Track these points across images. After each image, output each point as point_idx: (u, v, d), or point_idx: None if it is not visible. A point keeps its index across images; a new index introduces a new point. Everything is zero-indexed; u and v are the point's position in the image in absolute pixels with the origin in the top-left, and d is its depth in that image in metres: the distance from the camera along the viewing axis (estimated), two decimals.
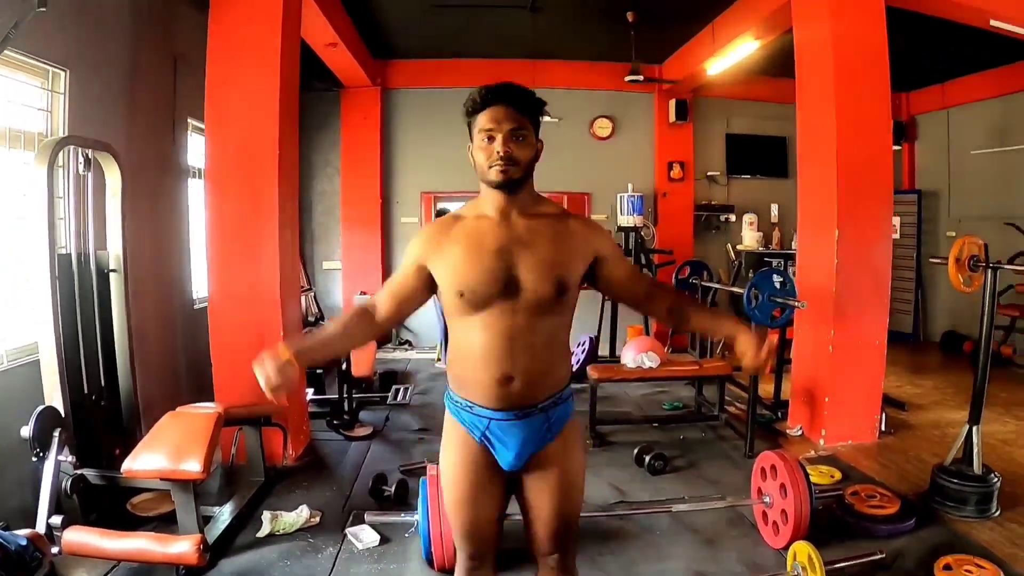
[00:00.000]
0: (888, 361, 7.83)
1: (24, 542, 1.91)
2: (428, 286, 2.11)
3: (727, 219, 9.59)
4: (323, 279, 9.36)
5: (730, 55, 7.06)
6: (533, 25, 7.27)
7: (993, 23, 5.43)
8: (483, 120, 2.02)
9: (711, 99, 9.36)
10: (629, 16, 6.78)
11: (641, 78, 7.39)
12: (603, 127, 9.31)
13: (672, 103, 9.06)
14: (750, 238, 9.07)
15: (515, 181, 2.03)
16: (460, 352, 2.08)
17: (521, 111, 2.04)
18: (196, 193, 6.12)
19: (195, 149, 6.15)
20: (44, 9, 2.91)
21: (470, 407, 2.09)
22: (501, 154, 1.99)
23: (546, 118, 5.79)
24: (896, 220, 9.46)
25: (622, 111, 9.31)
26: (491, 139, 2.01)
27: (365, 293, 8.89)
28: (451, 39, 8.23)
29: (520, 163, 2.02)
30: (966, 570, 3.26)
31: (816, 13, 5.17)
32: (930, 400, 6.48)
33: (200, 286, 6.14)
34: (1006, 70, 8.13)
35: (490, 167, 2.01)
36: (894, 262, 9.04)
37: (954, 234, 8.87)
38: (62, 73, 4.26)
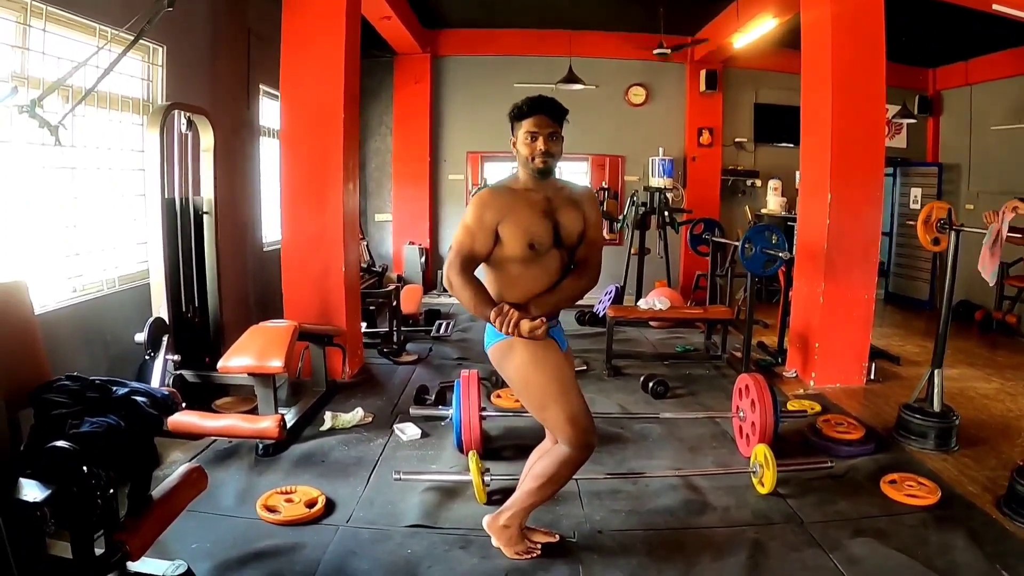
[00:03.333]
0: (900, 324, 8.44)
1: (166, 392, 2.69)
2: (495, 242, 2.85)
3: (753, 184, 10.16)
4: (375, 230, 10.21)
5: (753, 31, 7.59)
6: None
7: (995, 7, 5.81)
8: (528, 124, 2.80)
9: (740, 70, 9.90)
10: None
11: (668, 52, 7.96)
12: (637, 94, 9.94)
13: (703, 73, 9.63)
14: (774, 203, 9.57)
15: (551, 169, 2.86)
16: (521, 284, 2.85)
17: (554, 119, 2.82)
18: (266, 150, 6.96)
19: (266, 111, 6.97)
20: (171, 8, 3.67)
21: None
22: (543, 150, 2.79)
23: (580, 86, 6.68)
24: (917, 192, 9.93)
25: (655, 80, 9.92)
26: (534, 138, 2.79)
27: (414, 243, 9.70)
28: (495, 11, 8.89)
29: (555, 156, 2.83)
30: (908, 485, 3.82)
31: None
32: (927, 359, 6.97)
33: (269, 231, 7.00)
34: None
35: (533, 159, 2.80)
36: (914, 230, 9.50)
37: (972, 207, 9.20)
38: (160, 48, 5.07)
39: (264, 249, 6.96)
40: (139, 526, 2.40)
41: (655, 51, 8.03)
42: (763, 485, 3.74)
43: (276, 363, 4.07)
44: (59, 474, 2.06)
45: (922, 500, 3.69)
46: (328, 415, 4.67)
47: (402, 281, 8.55)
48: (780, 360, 6.41)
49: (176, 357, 4.30)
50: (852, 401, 5.46)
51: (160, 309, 4.38)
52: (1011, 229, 4.24)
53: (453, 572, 3.02)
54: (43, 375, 2.60)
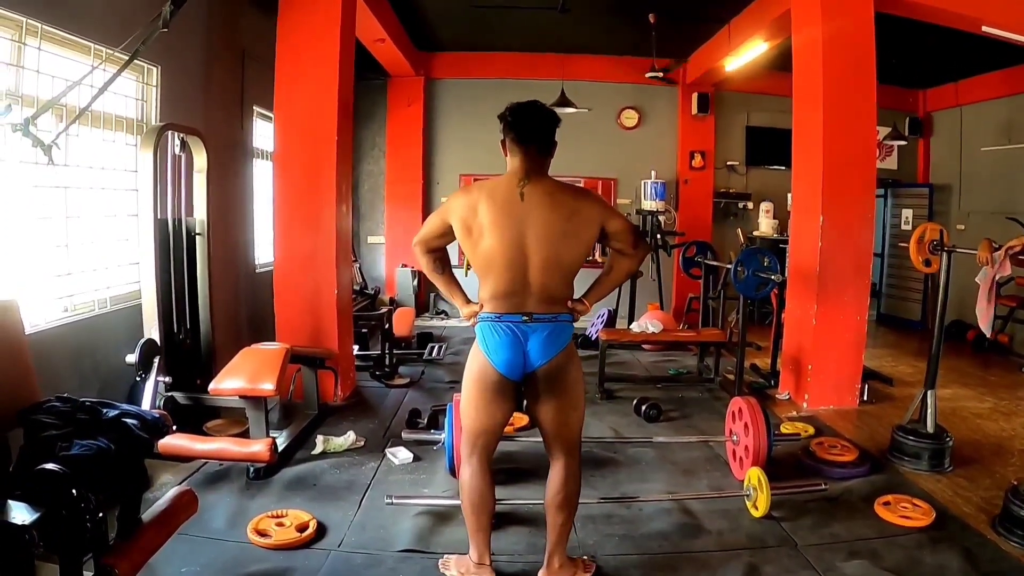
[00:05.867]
0: (892, 345, 8.45)
1: (157, 415, 2.68)
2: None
3: (745, 206, 10.21)
4: (368, 252, 10.21)
5: (744, 55, 7.65)
6: (563, 23, 7.93)
7: (984, 29, 5.88)
8: None
9: (732, 93, 9.99)
10: (651, 18, 7.40)
11: (661, 75, 8.03)
12: (630, 117, 10.03)
13: (695, 96, 9.71)
14: (766, 225, 9.63)
15: None
16: None
17: None
18: (260, 172, 6.97)
19: (259, 133, 6.98)
20: (166, 30, 3.69)
21: None
22: None
23: (573, 109, 6.69)
24: (908, 213, 10.00)
25: (648, 103, 10.02)
26: None
27: (406, 266, 9.69)
28: (488, 34, 8.99)
29: None
30: (902, 506, 3.82)
31: (810, 19, 5.77)
32: (920, 379, 6.97)
33: (261, 252, 6.99)
34: (1015, 70, 8.50)
35: None
36: (905, 251, 9.54)
37: (963, 227, 9.26)
38: (154, 69, 5.09)
39: (256, 271, 6.94)
40: (128, 549, 2.38)
41: (647, 74, 8.10)
42: (757, 508, 3.73)
43: (268, 386, 4.04)
44: (48, 497, 2.04)
45: (916, 521, 3.68)
46: (320, 438, 4.64)
47: (395, 304, 8.56)
48: (773, 382, 6.40)
49: (167, 379, 4.28)
50: (845, 423, 5.46)
51: (151, 330, 4.35)
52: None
53: None
54: (33, 396, 2.58)
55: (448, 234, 2.92)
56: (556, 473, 3.01)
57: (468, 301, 3.06)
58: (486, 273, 2.85)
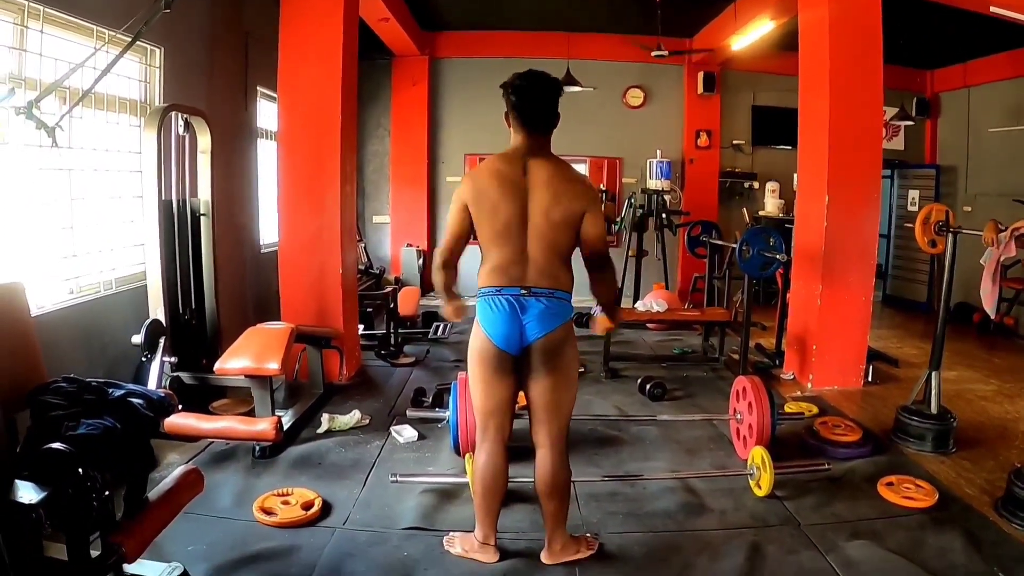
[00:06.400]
0: (898, 326, 8.44)
1: (163, 395, 2.70)
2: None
3: (750, 186, 10.16)
4: (373, 232, 10.21)
5: (751, 33, 7.60)
6: (569, 1, 7.89)
7: (993, 10, 5.81)
8: None
9: (738, 72, 9.91)
10: None
11: (666, 53, 7.97)
12: (635, 96, 9.98)
13: (701, 75, 9.66)
14: (772, 205, 9.53)
15: None
16: None
17: None
18: (264, 152, 6.96)
19: (263, 113, 6.97)
20: (168, 10, 3.68)
21: None
22: None
23: (578, 88, 6.66)
24: (915, 194, 9.95)
25: (654, 82, 9.96)
26: None
27: (411, 245, 9.70)
28: (494, 13, 8.93)
29: None
30: (905, 487, 3.82)
31: None
32: (925, 361, 6.97)
33: (266, 233, 7.00)
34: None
35: None
36: (911, 232, 9.47)
37: (970, 209, 9.20)
38: (157, 50, 5.08)
39: (261, 251, 6.96)
40: (135, 528, 2.40)
41: (653, 53, 8.04)
42: (760, 487, 3.74)
43: (273, 365, 4.08)
44: (55, 476, 2.06)
45: (919, 502, 3.68)
46: (325, 417, 4.67)
47: (400, 283, 8.56)
48: (778, 362, 6.40)
49: (173, 359, 4.31)
50: (850, 403, 5.46)
51: (157, 311, 4.38)
52: None
53: (449, 574, 3.02)
54: (40, 377, 2.60)
55: (469, 223, 2.93)
56: (544, 463, 3.01)
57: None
58: (489, 246, 2.90)
